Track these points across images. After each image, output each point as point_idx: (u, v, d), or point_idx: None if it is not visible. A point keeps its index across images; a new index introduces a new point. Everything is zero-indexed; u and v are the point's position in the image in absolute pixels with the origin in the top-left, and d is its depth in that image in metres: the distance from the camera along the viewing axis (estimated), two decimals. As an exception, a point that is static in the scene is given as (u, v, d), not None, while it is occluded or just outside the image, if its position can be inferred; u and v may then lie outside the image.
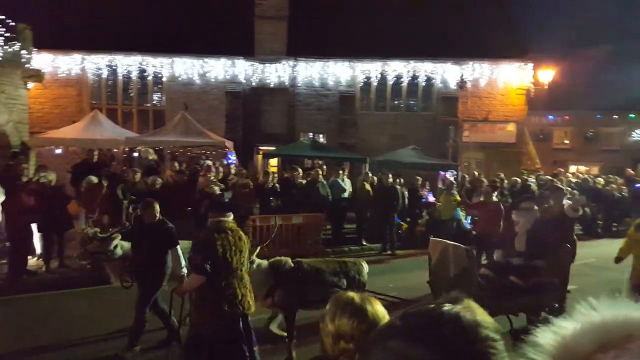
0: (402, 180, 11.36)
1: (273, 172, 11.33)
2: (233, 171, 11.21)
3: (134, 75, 16.43)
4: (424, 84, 16.81)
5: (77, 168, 9.98)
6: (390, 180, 10.79)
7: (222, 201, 5.64)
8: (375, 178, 11.41)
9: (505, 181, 11.94)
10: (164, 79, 16.38)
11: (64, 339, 5.30)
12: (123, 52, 15.89)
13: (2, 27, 10.91)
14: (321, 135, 15.47)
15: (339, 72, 16.41)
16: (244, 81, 16.20)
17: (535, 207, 6.46)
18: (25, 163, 9.42)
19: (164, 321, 5.16)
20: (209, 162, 11.14)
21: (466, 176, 13.24)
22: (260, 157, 15.51)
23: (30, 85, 11.99)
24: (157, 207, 5.20)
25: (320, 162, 12.56)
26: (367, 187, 10.99)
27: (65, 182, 9.30)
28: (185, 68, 16.12)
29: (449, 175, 13.45)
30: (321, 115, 16.41)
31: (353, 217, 11.34)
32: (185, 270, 5.00)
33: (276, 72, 16.21)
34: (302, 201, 10.00)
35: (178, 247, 5.11)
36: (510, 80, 16.57)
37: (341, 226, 11.22)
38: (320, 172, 10.98)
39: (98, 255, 5.32)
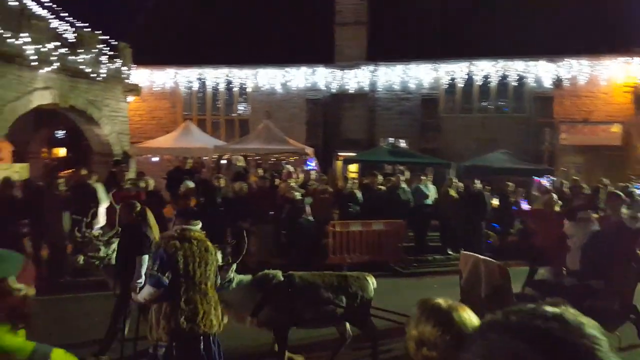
0: (490, 187, 10.65)
1: (352, 178, 11.21)
2: (313, 177, 11.26)
3: (222, 87, 17.29)
4: (515, 83, 15.74)
5: (172, 174, 10.63)
6: (479, 186, 10.17)
7: (189, 208, 5.04)
8: (461, 184, 10.82)
9: (610, 187, 10.67)
10: (249, 90, 17.02)
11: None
12: (212, 65, 16.79)
13: (106, 47, 12.02)
14: (402, 140, 15.07)
15: (421, 75, 15.93)
16: (323, 88, 16.33)
17: (594, 217, 5.56)
18: (127, 170, 10.23)
19: (108, 330, 4.94)
20: (290, 168, 11.32)
21: (565, 182, 12.09)
22: (339, 163, 15.50)
23: (130, 98, 13.07)
24: (137, 207, 4.98)
25: (402, 167, 12.20)
26: (453, 193, 10.45)
27: (161, 188, 9.95)
28: (268, 78, 16.64)
29: (545, 181, 12.38)
30: (402, 120, 16.02)
31: (438, 225, 10.84)
32: (141, 281, 4.45)
33: (356, 78, 16.14)
34: (382, 207, 9.74)
35: (145, 256, 4.57)
36: (614, 77, 14.94)
37: (424, 234, 10.77)
38: (402, 178, 10.66)
39: (93, 259, 5.15)
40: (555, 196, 7.47)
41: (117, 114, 12.43)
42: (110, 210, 8.39)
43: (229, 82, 17.20)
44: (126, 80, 12.56)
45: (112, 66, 11.97)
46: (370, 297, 4.76)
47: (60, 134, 17.59)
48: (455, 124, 15.92)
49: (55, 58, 10.18)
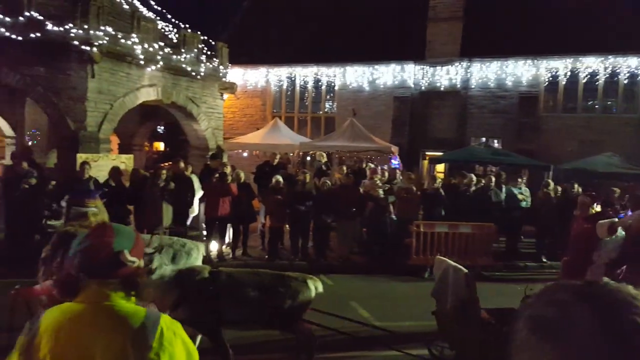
0: (593, 192, 9.62)
1: (439, 178, 10.79)
2: (399, 175, 11.03)
3: (310, 85, 17.62)
4: (625, 81, 14.14)
5: (260, 168, 11.04)
6: (578, 190, 9.28)
7: (86, 188, 4.63)
8: (560, 188, 9.94)
9: None
10: (336, 87, 17.14)
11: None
12: (301, 64, 17.18)
13: (205, 47, 12.78)
14: (496, 140, 14.23)
15: (519, 72, 14.90)
16: (412, 85, 15.94)
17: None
18: (224, 165, 10.82)
19: None
20: (372, 165, 11.19)
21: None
22: (426, 162, 15.03)
23: (225, 96, 13.76)
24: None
25: (494, 168, 11.50)
26: (550, 197, 9.64)
27: (250, 181, 10.37)
28: (355, 76, 16.62)
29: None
30: (497, 119, 15.11)
31: (532, 231, 10.06)
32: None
33: (447, 75, 15.54)
34: (471, 209, 9.24)
35: None
36: None
37: (516, 239, 10.06)
38: (494, 179, 10.05)
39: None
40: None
41: (213, 110, 13.15)
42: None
43: (317, 80, 17.48)
44: (223, 79, 13.24)
45: (210, 65, 12.69)
46: (304, 301, 4.33)
47: (160, 128, 19.10)
48: (556, 124, 14.68)
49: (160, 57, 11.01)
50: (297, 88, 17.82)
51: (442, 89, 15.62)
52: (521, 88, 14.90)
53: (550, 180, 10.40)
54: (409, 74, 15.95)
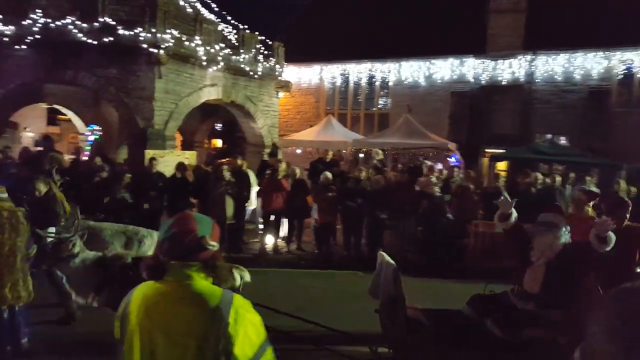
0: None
1: (501, 177, 10.65)
2: (457, 173, 11.01)
3: (364, 81, 17.80)
4: None
5: (314, 165, 11.42)
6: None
7: None
8: (634, 189, 9.52)
9: None
10: (390, 83, 17.21)
11: (295, 308, 6.11)
12: (355, 60, 17.40)
13: (263, 46, 13.36)
14: (562, 137, 13.74)
15: (589, 65, 14.28)
16: (472, 80, 15.71)
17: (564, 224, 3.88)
18: (280, 161, 11.32)
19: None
20: (429, 163, 11.24)
21: None
22: (486, 160, 14.78)
23: (280, 94, 14.30)
24: (41, 185, 5.18)
25: (560, 167, 11.18)
26: (622, 197, 9.25)
27: (305, 178, 10.77)
28: (411, 71, 16.61)
29: None
30: (563, 114, 14.56)
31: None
32: None
33: (510, 69, 15.17)
34: (533, 209, 9.06)
35: None
36: None
37: (584, 242, 9.74)
38: (559, 179, 9.80)
39: None
40: None
41: (270, 108, 13.73)
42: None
43: (371, 77, 17.63)
44: (278, 78, 13.78)
45: (267, 64, 13.26)
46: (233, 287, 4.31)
47: (218, 126, 20.03)
48: (631, 120, 13.93)
49: (221, 58, 11.69)
50: (351, 85, 18.06)
51: (504, 83, 15.27)
52: (591, 82, 14.27)
53: (622, 180, 9.98)
54: (468, 68, 15.73)
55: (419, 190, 9.61)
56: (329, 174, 9.57)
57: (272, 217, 9.46)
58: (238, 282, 4.38)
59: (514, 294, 3.91)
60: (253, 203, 10.07)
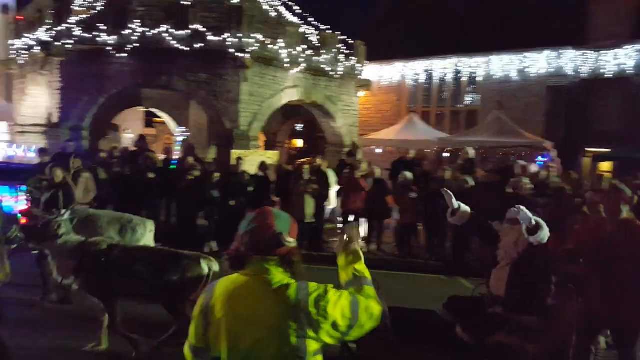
0: None
1: (605, 179, 9.85)
2: (554, 174, 10.36)
3: (449, 77, 17.34)
4: None
5: (395, 165, 11.37)
6: None
7: None
8: None
9: None
10: (479, 79, 16.60)
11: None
12: (440, 56, 17.01)
13: (343, 46, 13.56)
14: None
15: None
16: (571, 73, 14.67)
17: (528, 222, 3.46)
18: (360, 162, 11.44)
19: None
20: (522, 163, 10.68)
21: None
22: (587, 160, 13.73)
23: (361, 93, 14.40)
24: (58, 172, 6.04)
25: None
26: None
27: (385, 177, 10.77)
28: (502, 65, 15.90)
29: None
30: (680, 109, 13.14)
31: None
32: None
33: (616, 60, 13.96)
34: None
35: None
36: None
37: None
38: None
39: None
40: None
41: (350, 108, 13.90)
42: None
43: (457, 72, 17.12)
44: (359, 77, 13.90)
45: (348, 64, 13.44)
46: (194, 278, 4.43)
47: (299, 126, 20.62)
48: None
49: (303, 59, 12.07)
50: (435, 81, 17.68)
51: (608, 75, 14.09)
52: None
53: None
54: (567, 61, 14.71)
55: (510, 192, 9.19)
56: (408, 174, 9.49)
57: (351, 217, 9.58)
58: (205, 272, 4.51)
59: (485, 297, 3.83)
60: (332, 202, 10.28)
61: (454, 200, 4.03)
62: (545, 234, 3.38)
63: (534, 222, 3.39)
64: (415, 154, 12.04)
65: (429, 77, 17.69)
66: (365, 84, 14.13)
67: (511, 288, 3.61)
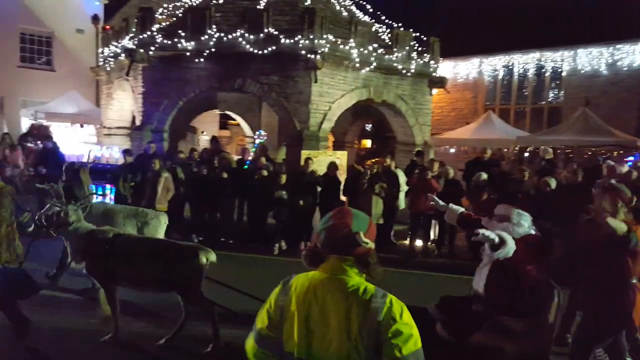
0: None
1: None
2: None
3: (530, 73, 16.56)
4: None
5: (470, 165, 11.07)
6: None
7: None
8: None
9: None
10: (564, 74, 15.70)
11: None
12: (520, 50, 16.28)
13: (417, 43, 13.40)
14: None
15: None
16: (672, 65, 13.47)
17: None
18: (430, 160, 11.28)
19: None
20: (611, 163, 9.97)
21: None
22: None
23: (434, 91, 14.14)
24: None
25: None
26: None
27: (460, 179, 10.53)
28: (589, 59, 14.94)
29: None
30: None
31: None
32: None
33: None
34: None
35: None
36: None
37: None
38: None
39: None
40: None
41: (422, 106, 13.70)
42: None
43: (539, 67, 16.32)
44: (433, 74, 13.66)
45: (421, 61, 13.25)
46: (193, 267, 4.75)
47: (368, 126, 20.63)
48: None
49: (374, 58, 12.09)
50: (515, 77, 16.95)
51: None
52: None
53: None
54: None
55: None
56: (483, 174, 9.22)
57: (422, 218, 9.48)
58: (203, 262, 4.80)
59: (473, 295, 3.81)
60: (402, 203, 10.22)
61: (440, 201, 4.35)
62: (510, 248, 3.34)
63: (497, 240, 3.34)
64: (492, 153, 11.64)
65: (509, 72, 17.01)
66: (439, 81, 13.84)
67: (490, 287, 3.62)
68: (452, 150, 14.94)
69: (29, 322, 4.71)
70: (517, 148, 13.46)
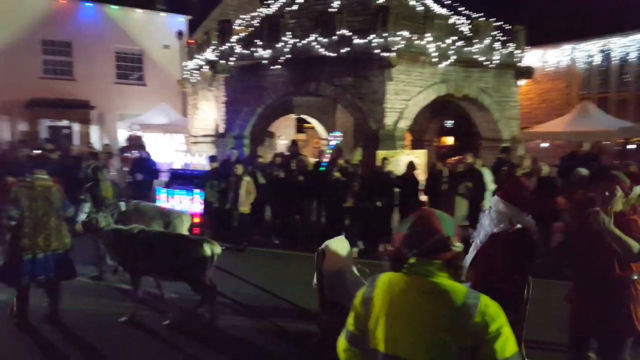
0: None
1: None
2: None
3: (633, 57, 15.06)
4: None
5: (565, 161, 10.29)
6: None
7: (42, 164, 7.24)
8: None
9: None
10: (673, 54, 14.10)
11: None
12: (620, 33, 14.88)
13: (500, 32, 12.71)
14: None
15: None
16: None
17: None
18: (520, 157, 10.64)
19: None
20: None
21: None
22: None
23: (521, 82, 13.32)
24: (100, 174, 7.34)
25: None
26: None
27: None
28: None
29: None
30: None
31: None
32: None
33: None
34: None
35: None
36: None
37: None
38: None
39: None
40: None
41: (508, 99, 12.95)
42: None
43: (643, 49, 14.80)
44: (518, 64, 12.89)
45: (505, 51, 12.55)
46: (198, 258, 5.35)
47: (449, 123, 19.89)
48: None
49: (452, 52, 11.64)
50: (615, 62, 15.51)
51: None
52: None
53: None
54: None
55: None
56: (583, 171, 8.46)
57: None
58: (208, 253, 5.39)
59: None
60: (488, 204, 9.69)
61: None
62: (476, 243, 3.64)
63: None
64: (590, 147, 10.72)
65: (606, 58, 15.63)
66: (526, 72, 13.00)
67: (474, 273, 3.76)
68: (545, 145, 14.00)
69: (28, 304, 5.63)
70: (619, 140, 12.27)
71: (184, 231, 7.41)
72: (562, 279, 4.32)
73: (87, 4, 19.75)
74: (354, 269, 4.60)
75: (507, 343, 1.72)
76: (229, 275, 6.04)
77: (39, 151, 13.05)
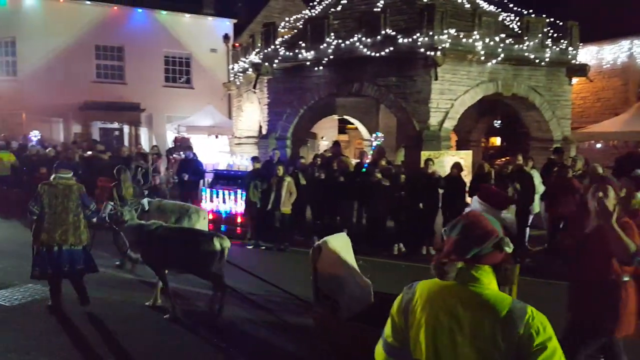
0: None
1: None
2: None
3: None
4: None
5: (621, 162, 9.79)
6: None
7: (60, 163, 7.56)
8: None
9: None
10: None
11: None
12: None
13: (551, 29, 12.23)
14: None
15: None
16: None
17: None
18: (571, 158, 10.19)
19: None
20: None
21: None
22: None
23: (574, 80, 12.75)
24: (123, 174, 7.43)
25: None
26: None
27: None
28: None
29: None
30: None
31: None
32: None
33: None
34: None
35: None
36: None
37: None
38: None
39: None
40: None
41: (559, 97, 12.43)
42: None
43: None
44: (571, 62, 12.35)
45: (557, 48, 12.06)
46: (208, 251, 5.54)
47: (496, 123, 19.32)
48: None
49: (501, 50, 11.29)
50: (678, 57, 14.60)
51: None
52: None
53: None
54: None
55: None
56: (640, 172, 8.03)
57: (562, 223, 8.54)
58: (217, 247, 5.56)
59: None
60: (537, 207, 9.35)
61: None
62: None
63: None
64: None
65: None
66: (580, 69, 12.43)
67: None
68: (599, 146, 13.35)
69: (62, 294, 5.98)
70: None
71: (201, 226, 7.65)
72: (562, 279, 4.32)
73: (138, 10, 20.53)
74: (355, 265, 4.48)
75: (553, 357, 1.65)
76: (261, 276, 6.35)
77: (91, 152, 13.68)
